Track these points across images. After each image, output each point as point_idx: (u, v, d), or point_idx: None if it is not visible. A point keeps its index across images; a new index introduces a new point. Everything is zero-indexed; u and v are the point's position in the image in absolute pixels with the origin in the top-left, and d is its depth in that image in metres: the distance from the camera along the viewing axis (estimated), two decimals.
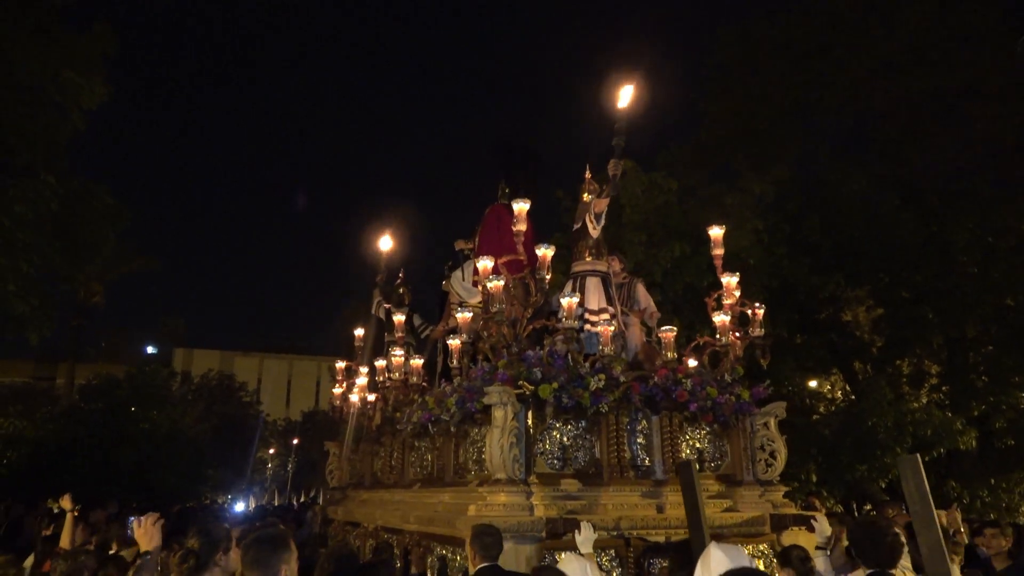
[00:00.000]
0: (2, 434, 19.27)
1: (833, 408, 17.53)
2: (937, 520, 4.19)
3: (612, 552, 5.78)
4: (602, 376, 6.05)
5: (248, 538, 3.36)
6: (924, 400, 16.26)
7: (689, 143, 18.93)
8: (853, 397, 17.01)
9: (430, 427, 7.21)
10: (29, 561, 7.16)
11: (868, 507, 14.96)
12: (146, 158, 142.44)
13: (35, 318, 14.73)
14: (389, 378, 8.45)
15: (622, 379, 6.20)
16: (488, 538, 4.70)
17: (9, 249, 13.53)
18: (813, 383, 18.55)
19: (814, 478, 15.26)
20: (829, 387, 18.85)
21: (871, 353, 17.97)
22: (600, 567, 5.51)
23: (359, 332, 10.40)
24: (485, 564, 4.65)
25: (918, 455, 4.38)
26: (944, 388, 16.83)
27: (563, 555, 5.14)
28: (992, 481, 15.54)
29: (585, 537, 5.13)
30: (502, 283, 6.29)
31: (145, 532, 4.06)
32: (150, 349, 45.44)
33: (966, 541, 7.90)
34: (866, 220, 16.74)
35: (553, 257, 6.65)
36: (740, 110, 18.37)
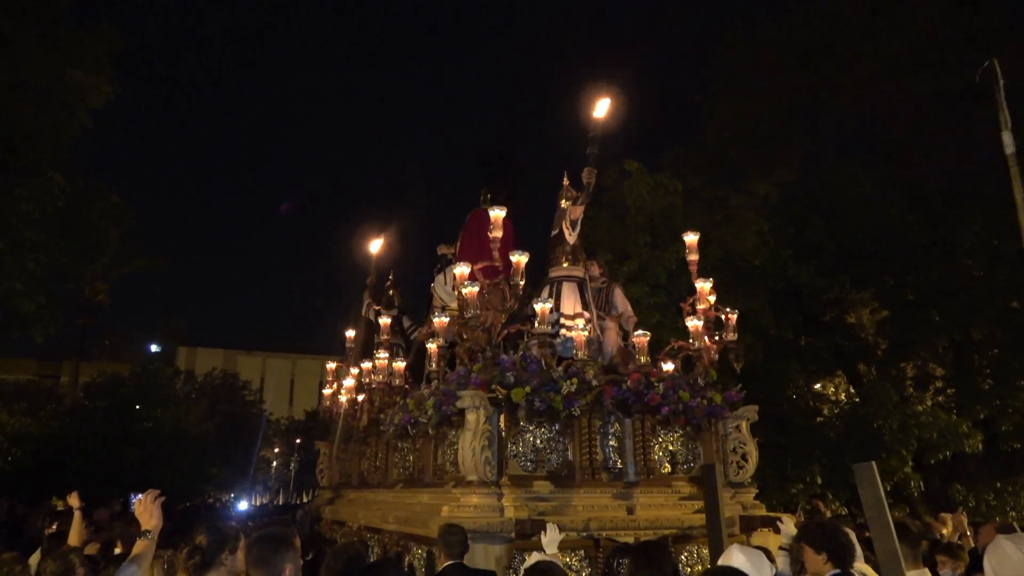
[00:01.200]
0: (7, 432, 19.24)
1: (838, 410, 17.41)
2: (892, 527, 4.20)
3: (582, 552, 5.83)
4: (574, 380, 6.08)
5: (252, 537, 3.40)
6: (929, 403, 16.15)
7: (693, 145, 18.88)
8: (858, 400, 16.88)
9: (409, 429, 7.27)
10: (35, 558, 7.20)
11: None
12: (148, 157, 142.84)
13: (40, 316, 14.94)
14: (374, 380, 8.53)
15: (594, 383, 6.23)
16: (452, 537, 4.81)
17: (16, 247, 13.71)
18: (818, 385, 18.46)
19: (819, 480, 15.22)
20: (833, 389, 18.73)
21: (876, 355, 17.82)
22: (568, 567, 5.55)
23: (350, 333, 10.48)
24: (450, 563, 4.74)
25: (873, 463, 4.38)
26: (949, 391, 16.68)
27: (530, 555, 5.17)
28: (998, 484, 15.36)
29: (551, 538, 5.17)
30: (476, 289, 6.35)
31: (145, 509, 4.07)
32: (154, 348, 45.68)
33: (971, 544, 7.85)
34: (871, 222, 16.59)
35: (540, 263, 6.69)
36: (744, 112, 18.24)
